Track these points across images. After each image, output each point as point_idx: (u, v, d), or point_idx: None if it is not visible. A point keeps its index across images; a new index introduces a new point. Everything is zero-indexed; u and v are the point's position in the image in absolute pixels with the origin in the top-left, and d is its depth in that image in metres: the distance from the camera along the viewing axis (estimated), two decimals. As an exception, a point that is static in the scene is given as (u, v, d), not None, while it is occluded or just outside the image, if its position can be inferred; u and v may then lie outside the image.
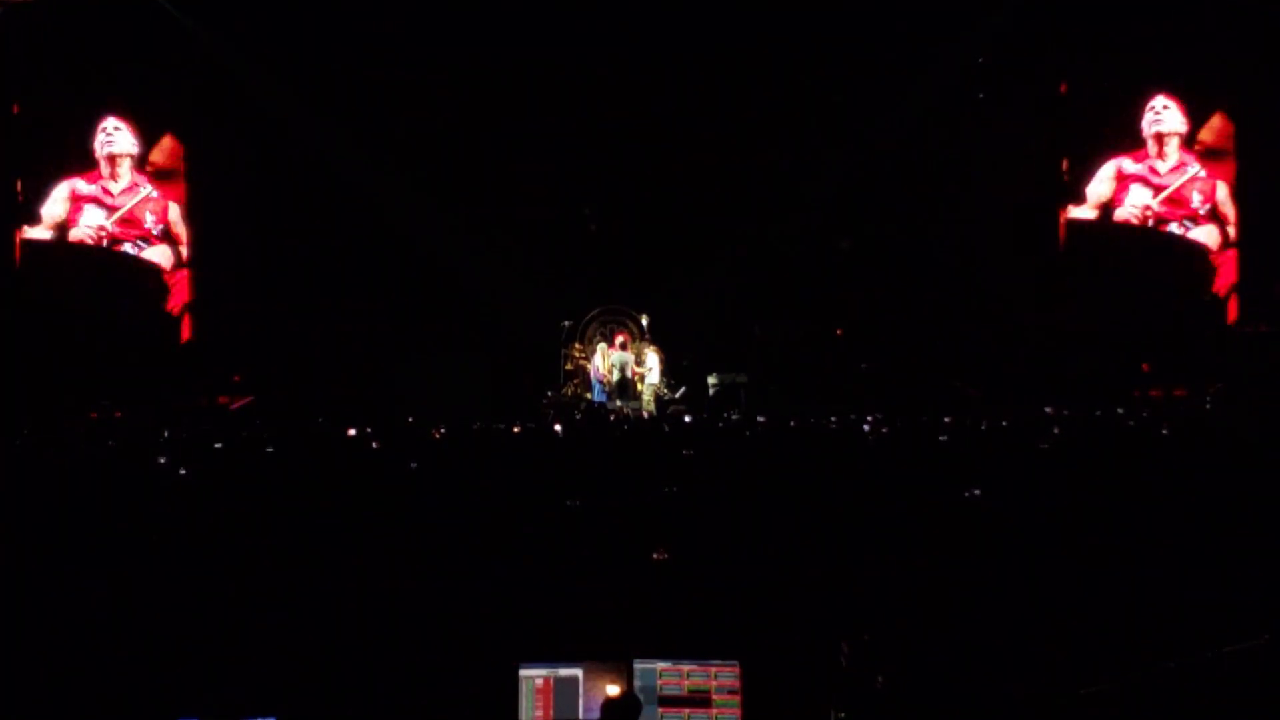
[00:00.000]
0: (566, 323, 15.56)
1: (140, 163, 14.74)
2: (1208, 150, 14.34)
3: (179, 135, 14.91)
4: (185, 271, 14.97)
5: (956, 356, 14.51)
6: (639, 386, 15.25)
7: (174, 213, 14.87)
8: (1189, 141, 14.38)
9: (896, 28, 14.77)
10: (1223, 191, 14.32)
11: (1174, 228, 14.53)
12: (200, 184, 15.03)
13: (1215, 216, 14.37)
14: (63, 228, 14.56)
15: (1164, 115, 14.36)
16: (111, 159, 14.59)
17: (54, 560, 5.49)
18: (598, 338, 15.93)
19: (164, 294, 14.94)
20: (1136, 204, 14.50)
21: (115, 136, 14.55)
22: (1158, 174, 14.50)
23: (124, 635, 4.70)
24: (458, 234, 15.62)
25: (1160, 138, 14.43)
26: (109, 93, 14.53)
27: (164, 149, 14.84)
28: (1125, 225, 14.60)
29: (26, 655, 4.53)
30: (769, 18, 14.70)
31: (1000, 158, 14.78)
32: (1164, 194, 14.43)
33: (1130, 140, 14.51)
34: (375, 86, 15.39)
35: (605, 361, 15.27)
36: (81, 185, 14.54)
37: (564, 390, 15.23)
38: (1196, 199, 14.39)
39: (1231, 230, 14.33)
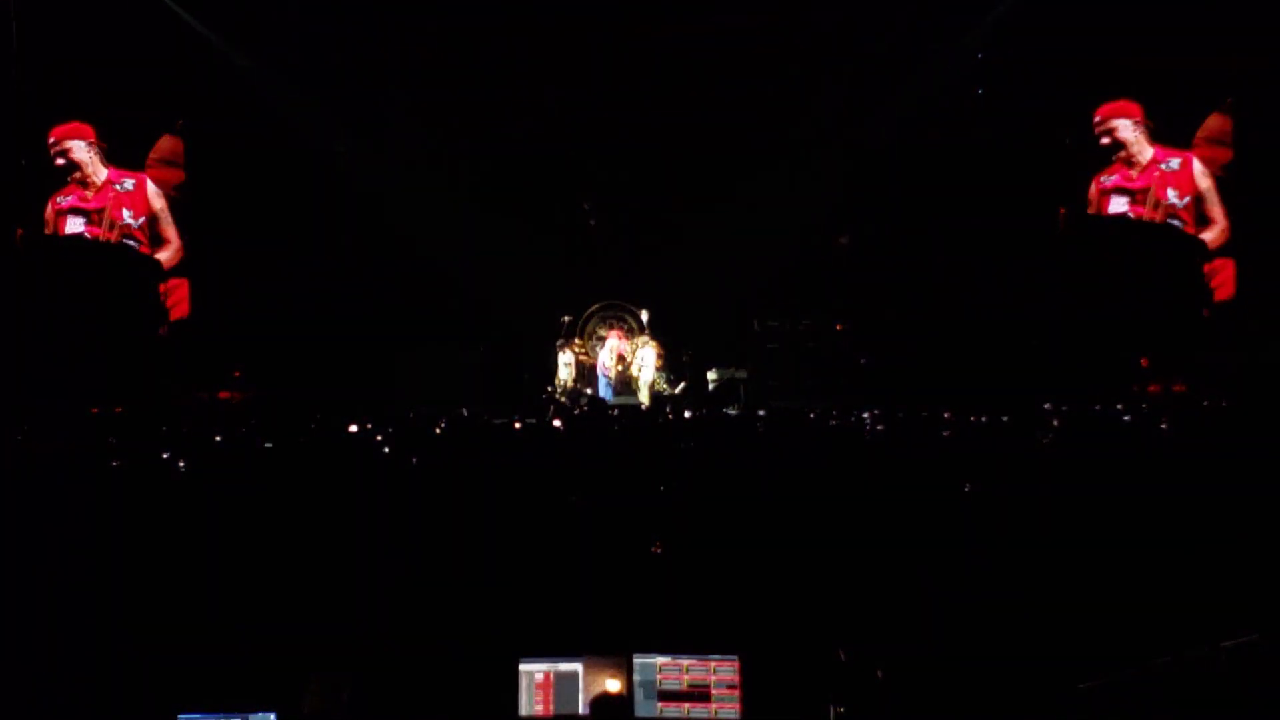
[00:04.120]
0: (566, 318, 15.57)
1: (110, 156, 14.56)
2: (1204, 142, 14.30)
3: (178, 133, 14.86)
4: (176, 260, 14.87)
5: (955, 352, 14.51)
6: (635, 382, 15.28)
7: (156, 200, 14.66)
8: (1177, 138, 14.31)
9: (896, 23, 14.76)
10: (1204, 181, 14.21)
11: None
12: (198, 178, 14.98)
13: (1199, 210, 14.29)
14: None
15: (1107, 129, 14.35)
16: (78, 174, 14.48)
17: (54, 557, 5.50)
18: (599, 333, 15.96)
19: (161, 288, 14.86)
20: (1119, 211, 14.53)
21: (62, 149, 14.40)
22: (1131, 180, 14.50)
23: (125, 631, 4.71)
24: (458, 229, 15.61)
25: (1127, 155, 14.41)
26: (109, 93, 14.44)
27: (163, 147, 14.79)
28: (1122, 220, 14.59)
29: (28, 653, 4.54)
30: (769, 12, 14.68)
31: (999, 153, 14.76)
32: (1141, 195, 14.42)
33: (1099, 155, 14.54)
34: (374, 80, 15.40)
35: (609, 357, 15.31)
36: (59, 199, 14.50)
37: (565, 385, 15.26)
38: (1172, 195, 14.36)
39: (1218, 216, 14.23)
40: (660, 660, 4.18)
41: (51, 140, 14.37)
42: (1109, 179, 14.51)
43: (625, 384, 15.44)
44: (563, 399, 14.72)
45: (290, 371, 14.50)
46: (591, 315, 16.12)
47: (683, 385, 15.18)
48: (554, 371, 15.35)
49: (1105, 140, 14.42)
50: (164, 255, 14.78)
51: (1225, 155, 14.27)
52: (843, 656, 4.01)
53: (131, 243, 14.66)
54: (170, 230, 14.75)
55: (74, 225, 14.50)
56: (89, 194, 14.52)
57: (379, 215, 15.71)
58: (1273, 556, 4.82)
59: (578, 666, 4.19)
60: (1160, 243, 14.58)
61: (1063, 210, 14.75)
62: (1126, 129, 14.37)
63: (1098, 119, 14.47)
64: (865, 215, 15.72)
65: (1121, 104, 14.38)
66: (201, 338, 14.77)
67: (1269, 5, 12.92)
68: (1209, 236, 14.32)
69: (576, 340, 15.73)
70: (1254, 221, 14.04)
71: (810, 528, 5.66)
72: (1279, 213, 13.51)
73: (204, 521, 5.96)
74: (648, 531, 5.72)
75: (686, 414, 11.91)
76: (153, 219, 14.72)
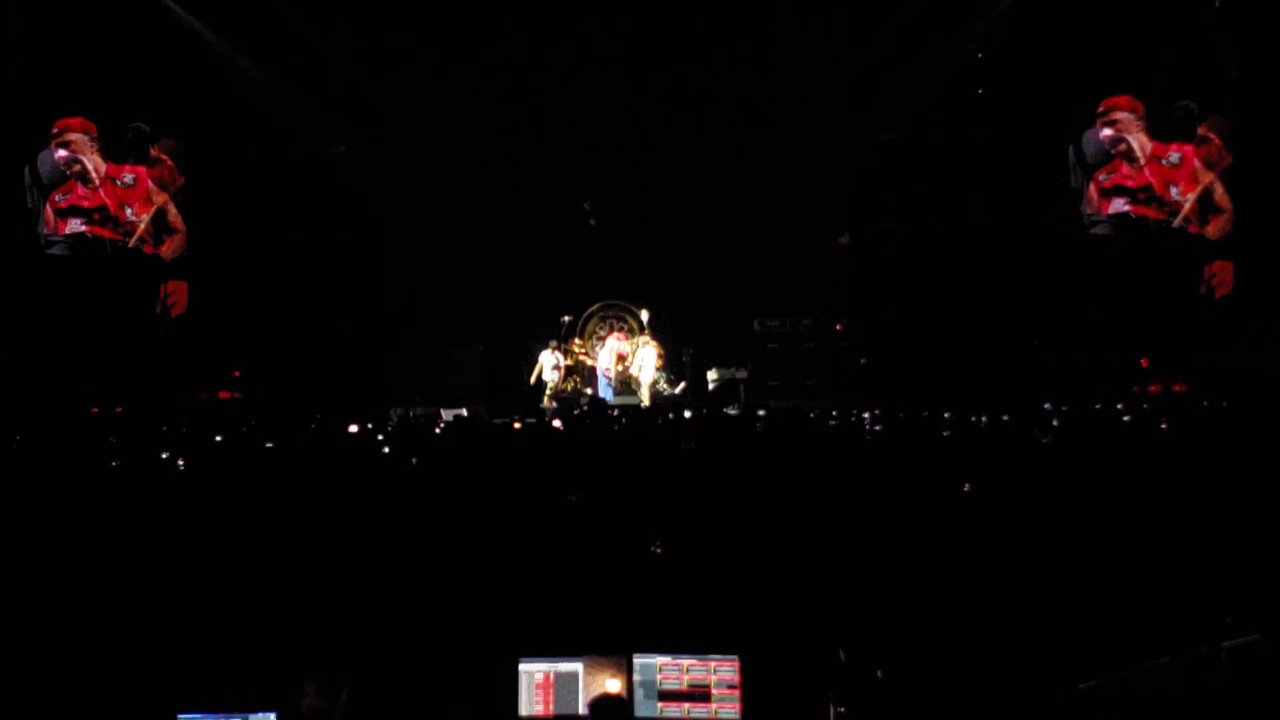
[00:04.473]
0: (566, 318, 15.57)
1: (109, 154, 14.57)
2: (1204, 138, 14.29)
3: (178, 133, 14.86)
4: (183, 248, 14.85)
5: (955, 351, 14.51)
6: (635, 382, 15.29)
7: (157, 196, 14.66)
8: (1177, 136, 14.29)
9: (896, 23, 14.77)
10: (1206, 175, 14.20)
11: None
12: (198, 178, 14.97)
13: (1204, 203, 14.26)
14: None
15: (1111, 121, 14.37)
16: (79, 169, 14.46)
17: (54, 556, 5.50)
18: (599, 333, 15.97)
19: (160, 287, 14.84)
20: (1119, 210, 14.54)
21: (66, 140, 14.39)
22: (1132, 177, 14.50)
23: (124, 630, 4.71)
24: (458, 228, 15.61)
25: (1127, 148, 14.41)
26: (109, 92, 14.43)
27: (162, 146, 14.80)
28: (1122, 219, 14.59)
29: (27, 652, 4.54)
30: (769, 12, 14.69)
31: (999, 152, 14.76)
32: (1143, 194, 14.43)
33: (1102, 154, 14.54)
34: (373, 81, 15.40)
35: (609, 358, 15.34)
36: (58, 197, 14.49)
37: (551, 387, 15.28)
38: (1174, 191, 14.35)
39: (1225, 205, 14.21)
40: (660, 660, 4.18)
41: (56, 131, 14.36)
42: (1108, 176, 14.50)
43: (625, 384, 15.44)
44: (550, 402, 14.74)
45: (290, 371, 14.51)
46: (591, 315, 16.12)
47: (683, 385, 15.18)
48: (532, 370, 15.31)
49: (1108, 131, 14.39)
50: (172, 245, 14.76)
51: (1224, 155, 14.27)
52: (843, 656, 4.01)
53: (134, 240, 14.65)
54: (178, 221, 14.76)
55: (74, 225, 14.50)
56: (88, 191, 14.51)
57: (378, 215, 15.72)
58: (1273, 556, 4.82)
59: (578, 666, 4.19)
60: (1160, 242, 14.58)
61: (1062, 211, 14.74)
62: (1130, 123, 14.36)
63: (1102, 109, 14.43)
64: (865, 215, 15.72)
65: (1127, 98, 14.37)
66: (201, 338, 14.77)
67: (1269, 5, 12.94)
68: (1215, 226, 14.28)
69: (576, 340, 15.74)
70: (1254, 221, 14.03)
71: (810, 528, 5.65)
72: (1279, 213, 13.52)
73: (204, 521, 5.95)
74: (648, 531, 5.72)
75: (687, 414, 11.91)
76: (159, 212, 14.71)
